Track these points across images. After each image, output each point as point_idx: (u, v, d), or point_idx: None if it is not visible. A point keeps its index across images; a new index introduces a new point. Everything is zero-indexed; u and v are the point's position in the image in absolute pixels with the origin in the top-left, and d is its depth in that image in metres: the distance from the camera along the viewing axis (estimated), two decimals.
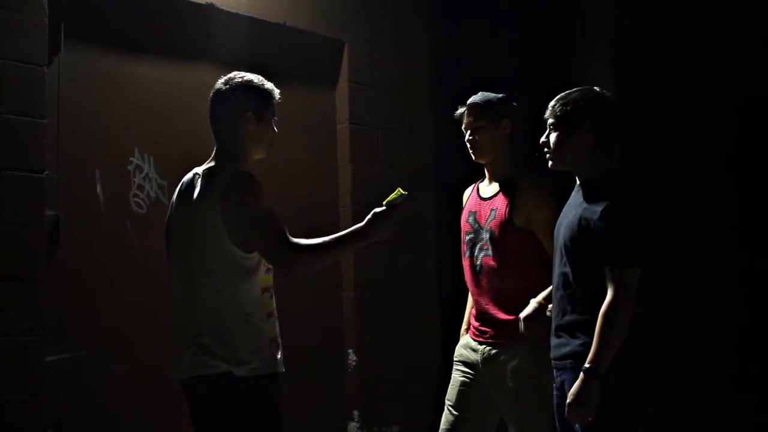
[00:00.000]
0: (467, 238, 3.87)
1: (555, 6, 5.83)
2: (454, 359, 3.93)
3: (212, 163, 3.16)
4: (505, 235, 3.70)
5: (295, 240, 3.04)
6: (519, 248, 3.67)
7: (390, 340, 5.18)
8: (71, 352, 4.04)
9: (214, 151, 3.19)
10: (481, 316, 3.80)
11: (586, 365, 2.98)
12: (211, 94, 3.20)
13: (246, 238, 3.01)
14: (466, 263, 3.88)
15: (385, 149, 5.33)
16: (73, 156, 4.16)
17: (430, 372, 5.33)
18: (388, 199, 3.26)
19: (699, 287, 5.32)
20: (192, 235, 3.07)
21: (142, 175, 4.38)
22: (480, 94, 3.84)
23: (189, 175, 3.18)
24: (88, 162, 4.23)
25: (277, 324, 3.15)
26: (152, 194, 4.41)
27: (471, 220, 3.87)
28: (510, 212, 3.70)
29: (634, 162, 5.49)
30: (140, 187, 4.38)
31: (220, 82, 3.22)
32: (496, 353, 3.73)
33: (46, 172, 3.98)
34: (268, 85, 3.25)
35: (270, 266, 3.11)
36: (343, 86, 5.26)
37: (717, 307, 5.29)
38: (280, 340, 3.15)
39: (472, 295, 3.87)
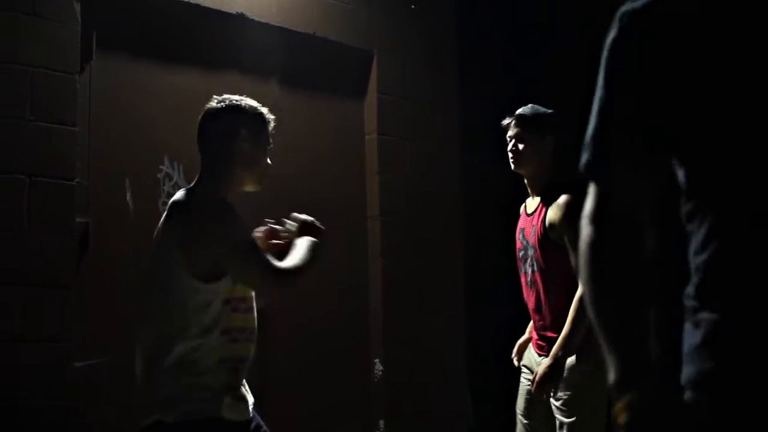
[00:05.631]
0: (520, 255, 3.93)
1: (582, 14, 5.82)
2: (522, 365, 3.96)
3: (187, 190, 2.98)
4: (543, 250, 3.76)
5: (277, 265, 2.88)
6: (558, 262, 3.71)
7: (416, 351, 5.16)
8: (99, 358, 4.07)
9: (197, 177, 3.04)
10: (538, 329, 3.86)
11: None
12: (202, 114, 3.09)
13: (221, 266, 2.81)
14: (522, 280, 3.93)
15: (412, 159, 5.33)
16: (103, 164, 4.19)
17: (456, 383, 5.32)
18: None
19: None
20: (154, 265, 2.93)
21: (172, 183, 4.40)
22: (530, 106, 3.89)
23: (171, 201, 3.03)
24: (118, 170, 4.26)
25: (237, 375, 2.89)
26: None
27: (521, 237, 3.93)
28: (544, 226, 3.73)
29: None
30: (170, 195, 4.37)
31: (212, 102, 3.11)
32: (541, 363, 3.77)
33: (77, 180, 4.01)
34: (264, 109, 3.12)
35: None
36: (371, 97, 5.27)
37: None
38: (241, 392, 2.91)
39: (530, 310, 3.92)
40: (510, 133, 3.87)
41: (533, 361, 3.85)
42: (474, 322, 5.42)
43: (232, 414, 2.81)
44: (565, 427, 3.69)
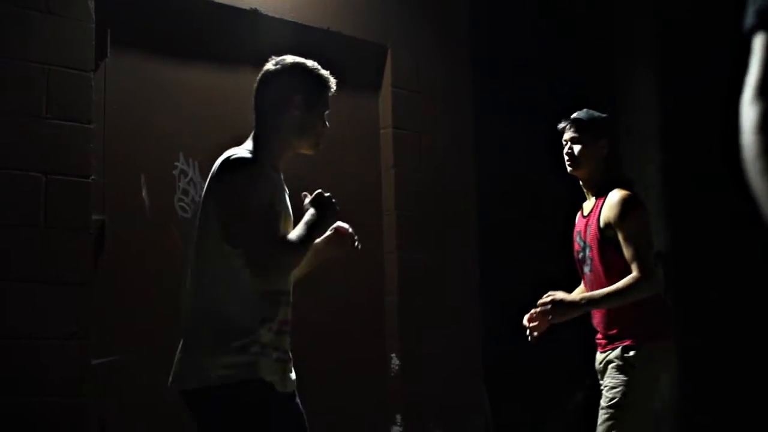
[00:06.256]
0: (579, 256, 3.95)
1: (594, 10, 5.81)
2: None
3: (235, 150, 2.86)
4: (599, 248, 3.79)
5: (283, 239, 2.77)
6: (614, 260, 3.74)
7: (433, 345, 5.16)
8: (116, 356, 4.08)
9: (251, 134, 2.95)
10: (596, 326, 3.88)
11: None
12: (259, 76, 2.99)
13: (231, 233, 2.74)
14: (582, 282, 3.96)
15: (427, 153, 5.32)
16: (118, 161, 4.20)
17: (473, 377, 5.31)
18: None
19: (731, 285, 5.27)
20: (196, 228, 2.87)
21: (187, 180, 4.41)
22: (585, 111, 3.94)
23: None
24: (133, 167, 4.27)
25: (280, 337, 2.85)
26: (197, 199, 4.42)
27: (578, 239, 3.95)
28: (599, 225, 3.76)
29: (677, 163, 5.45)
30: (185, 192, 4.40)
31: (269, 63, 2.98)
32: (602, 359, 3.82)
33: (92, 177, 4.02)
34: (324, 72, 2.98)
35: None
36: (386, 91, 5.26)
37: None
38: (285, 356, 2.88)
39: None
40: (565, 136, 3.92)
41: (597, 360, 3.88)
42: (490, 316, 5.41)
43: (273, 377, 2.75)
44: (603, 411, 3.72)
